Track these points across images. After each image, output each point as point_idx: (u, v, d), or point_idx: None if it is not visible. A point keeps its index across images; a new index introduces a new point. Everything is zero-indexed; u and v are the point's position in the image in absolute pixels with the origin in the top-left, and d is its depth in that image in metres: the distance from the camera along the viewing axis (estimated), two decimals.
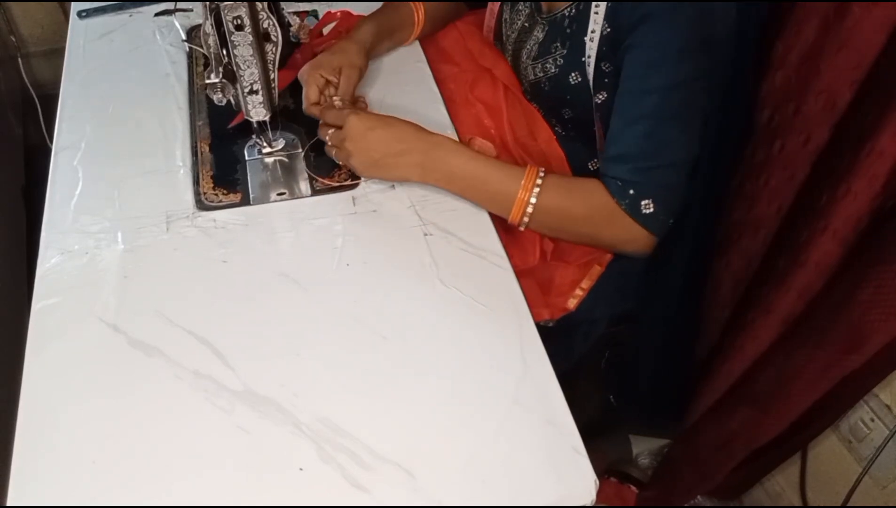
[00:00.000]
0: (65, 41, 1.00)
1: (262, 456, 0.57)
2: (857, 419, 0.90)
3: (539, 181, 0.74)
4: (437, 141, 0.77)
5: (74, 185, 0.79)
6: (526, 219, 0.75)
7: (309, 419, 0.59)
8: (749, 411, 0.94)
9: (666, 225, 0.76)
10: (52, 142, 0.85)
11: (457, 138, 0.85)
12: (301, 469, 0.57)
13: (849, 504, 0.92)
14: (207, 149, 0.84)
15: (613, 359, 1.05)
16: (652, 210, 0.74)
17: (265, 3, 0.71)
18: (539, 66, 0.85)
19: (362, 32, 0.90)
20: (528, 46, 0.87)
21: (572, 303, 0.90)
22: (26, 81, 1.73)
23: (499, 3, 0.94)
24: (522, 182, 0.74)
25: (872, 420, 0.88)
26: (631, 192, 0.73)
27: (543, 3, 0.85)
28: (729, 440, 0.98)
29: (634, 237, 0.76)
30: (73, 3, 1.06)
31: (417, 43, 0.98)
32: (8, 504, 0.55)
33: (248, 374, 0.62)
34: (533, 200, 0.74)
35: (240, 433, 0.59)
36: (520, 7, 0.90)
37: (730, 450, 0.99)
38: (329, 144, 0.79)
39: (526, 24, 0.88)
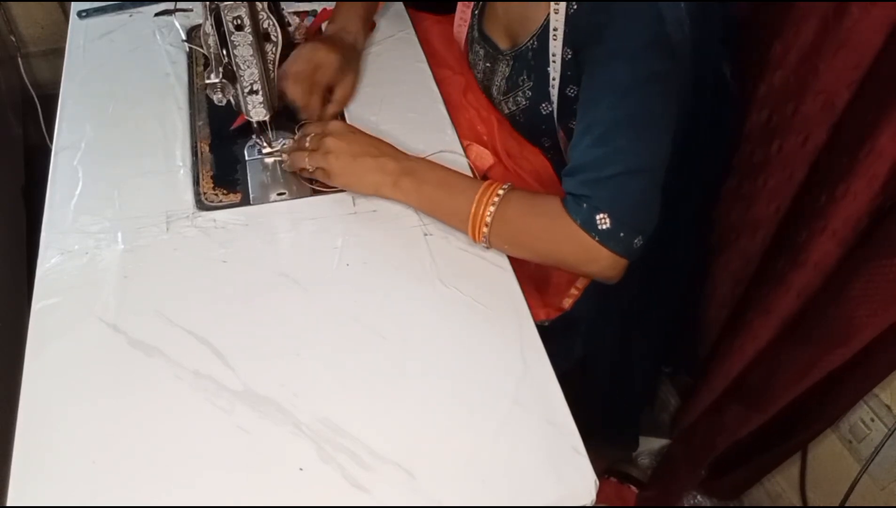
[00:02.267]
0: (65, 41, 1.00)
1: (262, 456, 0.57)
2: (857, 419, 0.90)
3: (496, 199, 0.70)
4: (411, 157, 0.77)
5: (74, 185, 0.79)
6: (485, 237, 0.71)
7: (309, 419, 0.59)
8: (738, 406, 0.94)
9: (629, 244, 0.68)
10: (52, 142, 0.85)
11: (457, 139, 0.85)
12: (301, 469, 0.57)
13: (848, 504, 0.92)
14: (207, 149, 0.84)
15: (606, 362, 1.05)
16: (608, 226, 0.67)
17: (265, 3, 0.71)
18: (510, 99, 0.85)
19: (351, 32, 0.89)
20: (496, 83, 0.87)
21: (567, 303, 0.90)
22: (26, 81, 1.73)
23: (465, 38, 0.94)
24: (477, 197, 0.70)
25: (872, 420, 0.88)
26: (584, 206, 0.67)
27: (501, 42, 0.85)
28: (716, 434, 0.99)
29: (595, 257, 0.68)
30: (73, 3, 1.06)
31: (417, 43, 0.98)
32: (8, 504, 0.55)
33: (248, 374, 0.62)
34: (489, 217, 0.70)
35: (240, 433, 0.59)
36: (477, 49, 0.91)
37: (713, 443, 0.99)
38: (307, 146, 0.78)
39: (488, 64, 0.88)
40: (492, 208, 0.70)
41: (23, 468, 0.57)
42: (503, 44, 0.86)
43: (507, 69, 0.84)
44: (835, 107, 0.76)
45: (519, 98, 0.83)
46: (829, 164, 0.77)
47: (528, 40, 0.80)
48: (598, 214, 0.67)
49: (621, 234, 0.67)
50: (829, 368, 0.79)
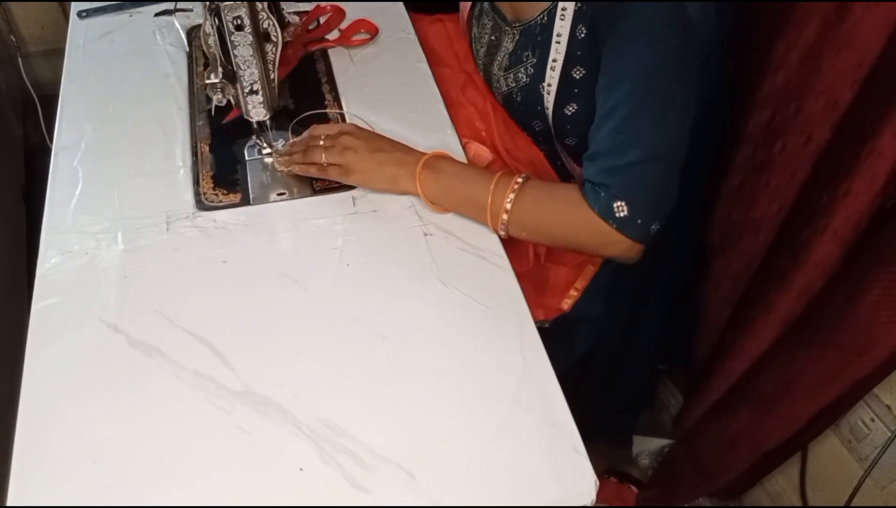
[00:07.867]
0: (65, 41, 1.00)
1: (262, 456, 0.57)
2: (857, 420, 0.90)
3: (516, 186, 0.72)
4: (424, 152, 0.78)
5: (74, 185, 0.79)
6: (504, 225, 0.72)
7: (309, 420, 0.59)
8: (754, 412, 0.93)
9: (646, 230, 0.70)
10: (52, 142, 0.85)
11: (457, 139, 0.85)
12: (301, 469, 0.57)
13: (849, 505, 0.92)
14: (207, 149, 0.84)
15: (605, 359, 1.05)
16: (626, 214, 0.69)
17: (265, 3, 0.71)
18: (511, 76, 0.84)
19: None
20: (498, 58, 0.86)
21: (566, 304, 0.90)
22: (26, 81, 1.73)
23: (468, 13, 0.93)
24: (495, 186, 0.72)
25: (873, 420, 0.88)
26: (602, 194, 0.69)
27: (509, 13, 0.84)
28: (734, 441, 0.98)
29: (612, 242, 0.71)
30: (73, 3, 1.06)
31: (417, 43, 0.98)
32: (8, 504, 0.55)
33: (248, 374, 0.62)
34: (508, 204, 0.71)
35: (240, 433, 0.59)
36: (484, 22, 0.90)
37: (736, 452, 0.98)
38: (322, 144, 0.78)
39: (493, 38, 0.87)
40: (511, 196, 0.72)
41: (23, 468, 0.57)
42: (512, 17, 0.84)
43: (511, 44, 0.83)
44: (837, 107, 0.76)
45: (520, 75, 0.82)
46: (831, 163, 0.77)
47: (539, 16, 0.78)
48: (616, 202, 0.69)
49: (638, 221, 0.69)
50: (854, 377, 0.77)
